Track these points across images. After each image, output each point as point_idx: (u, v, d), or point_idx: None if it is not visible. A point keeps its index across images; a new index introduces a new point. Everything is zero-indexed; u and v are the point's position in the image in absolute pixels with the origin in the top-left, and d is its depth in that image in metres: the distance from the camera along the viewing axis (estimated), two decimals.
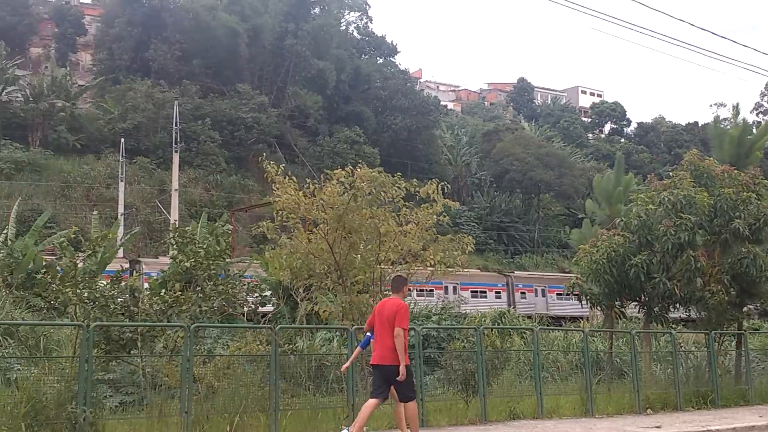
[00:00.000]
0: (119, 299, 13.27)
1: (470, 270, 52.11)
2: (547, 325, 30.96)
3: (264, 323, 20.11)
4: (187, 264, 17.42)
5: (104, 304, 12.92)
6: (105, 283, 14.29)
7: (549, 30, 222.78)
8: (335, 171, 15.59)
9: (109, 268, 19.21)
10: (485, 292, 48.45)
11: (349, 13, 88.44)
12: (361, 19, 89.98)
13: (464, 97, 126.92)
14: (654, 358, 18.43)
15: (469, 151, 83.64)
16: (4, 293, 18.61)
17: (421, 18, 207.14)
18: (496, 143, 77.90)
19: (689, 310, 19.15)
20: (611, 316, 19.69)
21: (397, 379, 10.05)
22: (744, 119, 45.98)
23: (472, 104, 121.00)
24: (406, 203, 16.13)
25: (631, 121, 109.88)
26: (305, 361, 13.59)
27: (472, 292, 46.94)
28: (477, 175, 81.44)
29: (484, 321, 24.64)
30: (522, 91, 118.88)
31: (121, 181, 50.92)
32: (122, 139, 54.10)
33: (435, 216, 16.22)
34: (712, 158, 20.17)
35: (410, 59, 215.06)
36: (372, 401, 10.30)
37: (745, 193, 18.03)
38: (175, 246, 19.31)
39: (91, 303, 13.05)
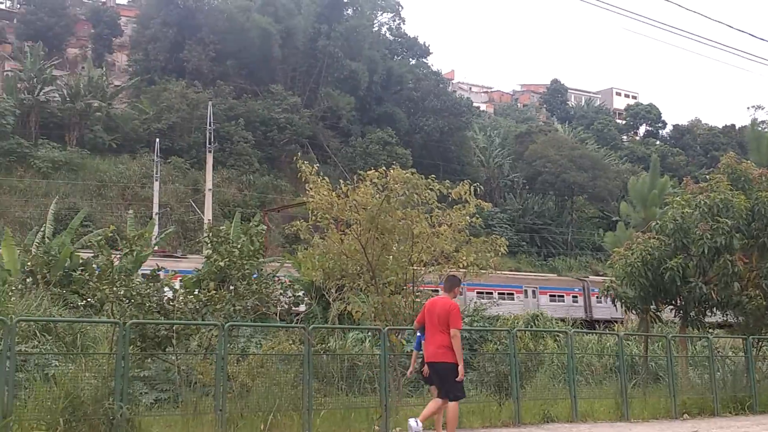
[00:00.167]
0: (154, 297, 13.40)
1: (547, 275, 52.14)
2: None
3: (297, 323, 20.19)
4: (222, 263, 17.60)
5: (140, 302, 13.06)
6: (140, 281, 14.48)
7: (583, 31, 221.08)
8: (368, 172, 15.59)
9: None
10: (562, 296, 48.58)
11: (381, 14, 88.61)
12: (394, 20, 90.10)
13: (497, 99, 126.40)
14: (690, 363, 18.20)
15: (501, 153, 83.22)
16: (42, 290, 18.89)
17: (453, 19, 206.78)
18: (528, 145, 77.44)
19: (726, 314, 18.89)
20: (646, 320, 19.47)
21: (456, 379, 10.25)
22: None
23: (505, 106, 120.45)
24: (439, 205, 16.09)
25: (666, 123, 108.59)
26: (337, 360, 13.60)
27: (550, 295, 47.13)
28: (509, 177, 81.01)
29: (517, 323, 24.51)
30: (555, 92, 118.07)
31: (156, 180, 51.48)
32: (157, 139, 54.69)
33: (468, 217, 16.14)
34: (749, 161, 19.88)
35: (443, 60, 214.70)
36: (438, 401, 10.55)
37: None
38: (209, 245, 19.51)
39: (127, 301, 13.21)
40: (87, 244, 25.21)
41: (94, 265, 18.09)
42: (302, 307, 22.23)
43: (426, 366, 10.68)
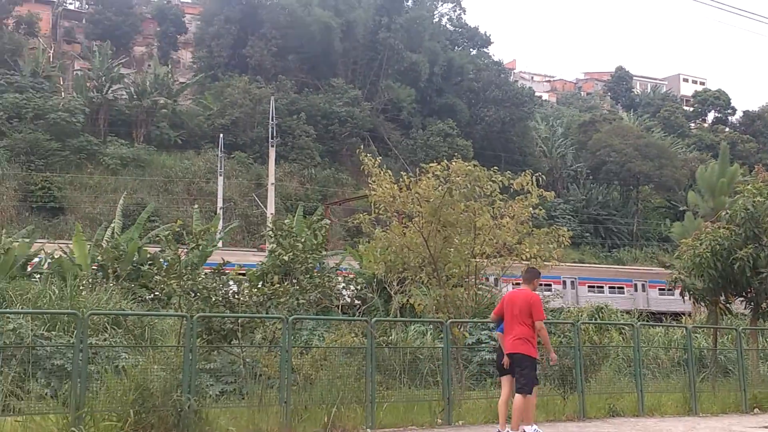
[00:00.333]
0: (220, 291, 13.63)
1: (654, 268, 51.81)
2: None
3: (359, 316, 20.32)
4: (286, 257, 17.81)
5: (206, 296, 13.30)
6: (207, 273, 14.76)
7: (648, 16, 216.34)
8: (431, 165, 15.55)
9: None
10: (671, 290, 48.19)
11: (442, 5, 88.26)
12: (454, 11, 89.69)
13: (559, 88, 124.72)
14: (762, 356, 17.69)
15: (564, 143, 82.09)
16: (112, 285, 19.41)
17: (515, 8, 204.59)
18: (592, 134, 76.25)
19: None
20: (715, 312, 18.98)
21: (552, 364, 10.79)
22: None
23: (568, 94, 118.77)
24: (501, 196, 15.95)
25: (736, 110, 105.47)
26: (400, 353, 13.63)
27: (659, 289, 46.79)
28: (573, 167, 79.87)
29: (581, 316, 24.19)
30: (620, 80, 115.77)
31: (220, 175, 52.36)
32: (221, 135, 55.59)
33: (530, 209, 15.97)
34: None
35: (504, 50, 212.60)
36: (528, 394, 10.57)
37: None
38: (273, 239, 19.77)
39: (194, 294, 13.47)
40: (154, 239, 25.79)
41: (161, 260, 18.50)
42: (364, 300, 22.37)
43: (506, 357, 10.69)
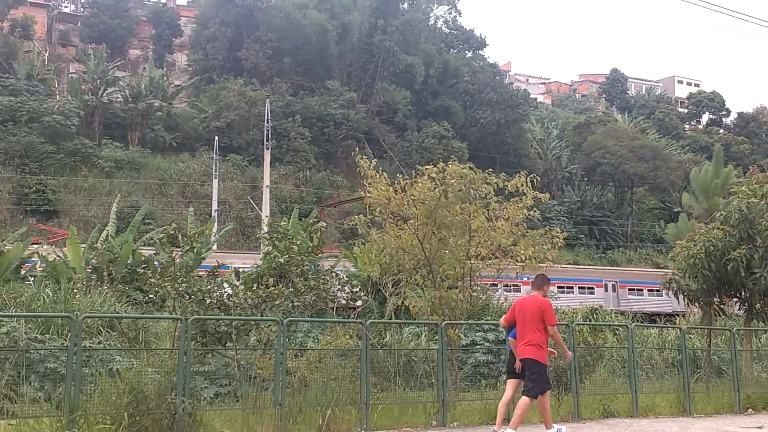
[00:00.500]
0: (215, 293, 13.64)
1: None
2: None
3: (354, 318, 20.33)
4: (281, 260, 17.83)
5: (201, 299, 13.31)
6: (201, 276, 14.76)
7: (643, 18, 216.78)
8: (426, 167, 15.56)
9: None
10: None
11: (437, 7, 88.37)
12: (450, 13, 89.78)
13: (555, 90, 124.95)
14: (755, 357, 17.73)
15: (559, 145, 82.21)
16: (106, 287, 19.39)
17: (510, 10, 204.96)
18: (587, 136, 76.35)
19: None
20: (709, 313, 19.03)
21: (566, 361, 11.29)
22: None
23: (563, 97, 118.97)
24: (496, 198, 15.96)
25: (730, 111, 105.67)
26: (394, 355, 13.64)
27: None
28: (567, 169, 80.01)
29: (575, 317, 24.21)
30: (615, 82, 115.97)
31: (215, 178, 52.34)
32: (216, 137, 55.59)
33: (525, 210, 15.99)
34: None
35: (499, 52, 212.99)
36: (543, 397, 10.83)
37: None
38: (268, 242, 19.79)
39: (189, 297, 13.47)
40: (149, 241, 25.79)
41: (156, 262, 18.50)
42: (359, 303, 22.36)
43: (518, 362, 10.89)
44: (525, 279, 17.58)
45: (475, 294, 17.66)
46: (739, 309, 19.29)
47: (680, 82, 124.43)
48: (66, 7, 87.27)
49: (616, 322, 22.49)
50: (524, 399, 10.57)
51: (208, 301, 13.32)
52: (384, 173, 15.91)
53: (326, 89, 68.72)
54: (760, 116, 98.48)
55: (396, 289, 20.06)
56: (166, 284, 13.63)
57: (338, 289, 19.83)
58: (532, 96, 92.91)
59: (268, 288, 14.50)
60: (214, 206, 50.20)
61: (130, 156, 58.72)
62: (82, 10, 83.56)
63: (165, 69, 70.67)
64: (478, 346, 16.17)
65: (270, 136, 49.61)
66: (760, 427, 12.84)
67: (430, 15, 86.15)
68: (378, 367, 13.03)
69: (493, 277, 17.88)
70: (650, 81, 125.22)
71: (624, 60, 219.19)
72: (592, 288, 47.05)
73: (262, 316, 13.40)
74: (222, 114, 62.64)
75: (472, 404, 12.95)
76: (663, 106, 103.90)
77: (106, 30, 74.48)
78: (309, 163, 63.48)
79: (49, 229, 43.60)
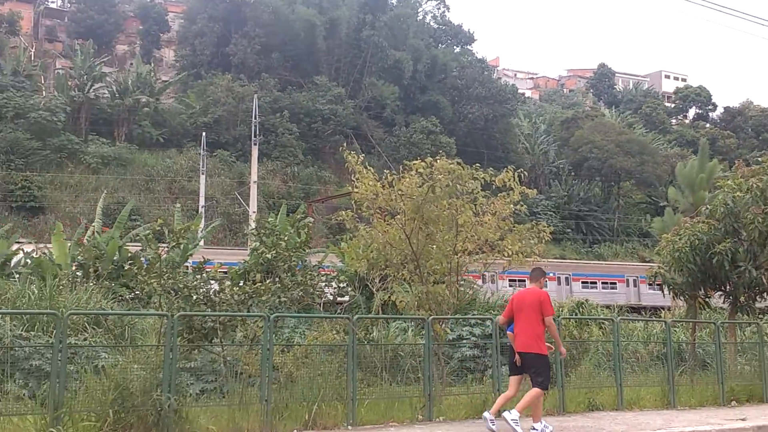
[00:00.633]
0: (201, 289, 13.61)
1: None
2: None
3: (341, 313, 20.34)
4: (269, 255, 17.81)
5: (187, 295, 13.28)
6: (187, 272, 14.74)
7: (631, 13, 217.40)
8: (414, 162, 15.57)
9: None
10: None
11: (426, 2, 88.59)
12: (438, 8, 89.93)
13: (542, 85, 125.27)
14: (739, 350, 17.84)
15: (546, 140, 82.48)
16: (92, 284, 19.32)
17: (498, 5, 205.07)
18: (574, 131, 76.64)
19: None
20: (694, 306, 19.14)
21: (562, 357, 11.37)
22: None
23: (551, 91, 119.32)
24: (483, 193, 16.00)
25: (717, 106, 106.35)
26: (381, 350, 13.67)
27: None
28: (555, 164, 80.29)
29: (561, 311, 24.29)
30: (602, 76, 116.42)
31: (202, 174, 52.21)
32: (203, 133, 55.46)
33: (512, 205, 16.03)
34: None
35: (487, 47, 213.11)
36: (537, 391, 10.90)
37: None
38: (255, 237, 19.77)
39: (175, 293, 13.44)
40: (135, 238, 25.71)
41: (142, 258, 18.44)
42: (346, 298, 22.38)
43: (517, 356, 11.08)
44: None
45: (462, 289, 17.72)
46: (724, 302, 19.37)
47: (667, 76, 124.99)
48: (53, 2, 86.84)
49: (602, 316, 22.59)
50: (537, 390, 10.81)
51: (194, 297, 13.29)
52: (372, 168, 15.92)
53: (314, 85, 68.63)
54: (747, 111, 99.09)
55: (383, 284, 20.10)
56: (152, 281, 13.59)
57: (325, 285, 19.84)
58: (519, 91, 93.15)
59: (255, 284, 14.47)
60: (201, 202, 50.09)
61: (116, 152, 58.48)
62: (69, 5, 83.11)
63: (152, 65, 70.38)
64: (464, 341, 16.22)
65: (258, 132, 49.50)
66: (743, 419, 12.93)
67: (419, 10, 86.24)
68: (365, 362, 13.04)
69: (480, 272, 17.93)
70: (637, 76, 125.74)
71: (611, 55, 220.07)
72: (615, 283, 47.52)
73: (248, 311, 13.38)
74: (209, 110, 62.47)
75: (458, 398, 12.98)
76: (650, 100, 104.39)
77: (93, 25, 74.14)
78: (297, 158, 63.41)
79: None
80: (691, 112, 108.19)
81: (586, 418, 12.62)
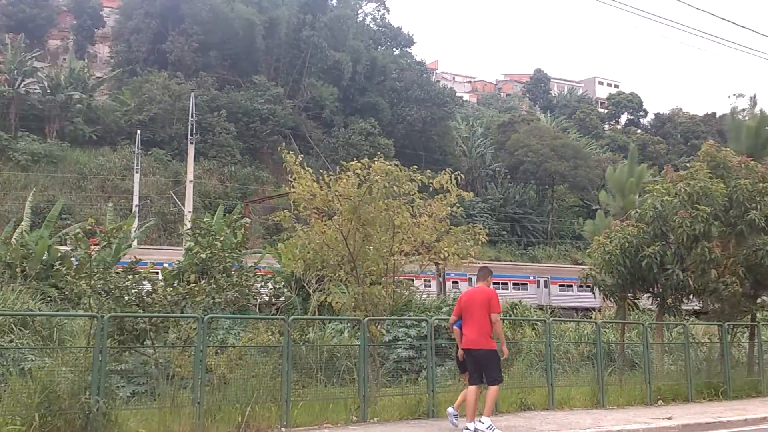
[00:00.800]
0: (133, 290, 13.37)
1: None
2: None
3: (276, 314, 20.21)
4: (203, 255, 17.60)
5: (118, 296, 13.03)
6: (119, 272, 14.44)
7: (566, 20, 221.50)
8: (351, 163, 15.59)
9: None
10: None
11: (366, 4, 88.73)
12: (378, 10, 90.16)
13: (480, 89, 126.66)
14: (666, 350, 18.34)
15: (483, 143, 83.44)
16: (19, 284, 18.81)
17: (438, 9, 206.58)
18: (511, 135, 77.68)
19: (703, 301, 19.04)
20: (624, 308, 19.60)
21: (497, 362, 11.23)
22: (762, 110, 45.61)
23: (488, 95, 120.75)
24: (420, 195, 16.11)
25: (647, 112, 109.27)
26: (317, 352, 13.64)
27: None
28: (491, 167, 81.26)
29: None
30: (538, 82, 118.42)
31: (137, 172, 51.24)
32: (138, 131, 54.44)
33: (448, 207, 16.18)
34: (728, 149, 19.95)
35: (427, 50, 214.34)
36: (473, 388, 11.21)
37: (761, 184, 17.82)
38: (190, 237, 19.51)
39: (106, 294, 13.17)
40: (65, 237, 25.11)
41: (72, 258, 18.02)
42: (282, 299, 22.26)
43: (462, 352, 11.45)
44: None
45: (398, 290, 17.80)
46: (652, 304, 19.88)
47: (601, 83, 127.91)
48: None
49: (535, 317, 22.96)
50: (492, 388, 11.17)
51: (126, 298, 13.05)
52: (310, 169, 15.87)
53: (253, 84, 68.05)
54: (676, 117, 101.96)
55: (320, 285, 20.05)
56: (82, 281, 13.30)
57: (261, 286, 19.69)
58: (458, 94, 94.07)
59: (189, 284, 14.29)
60: (135, 201, 49.16)
61: (47, 149, 56.97)
62: None
63: (86, 60, 68.84)
64: (400, 342, 16.30)
65: (194, 131, 48.86)
66: (669, 418, 13.30)
67: (359, 12, 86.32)
68: (300, 364, 13.00)
69: (417, 274, 18.02)
70: (572, 81, 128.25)
71: (547, 60, 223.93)
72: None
73: (182, 313, 13.20)
74: (145, 107, 61.38)
75: (393, 399, 13.04)
76: (584, 106, 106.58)
77: (25, 19, 72.08)
78: (234, 158, 62.76)
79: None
80: (623, 118, 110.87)
81: (518, 417, 12.81)
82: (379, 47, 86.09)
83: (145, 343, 12.43)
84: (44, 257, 21.79)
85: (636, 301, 19.90)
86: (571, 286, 48.68)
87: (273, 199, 50.57)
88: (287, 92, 69.40)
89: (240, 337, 15.44)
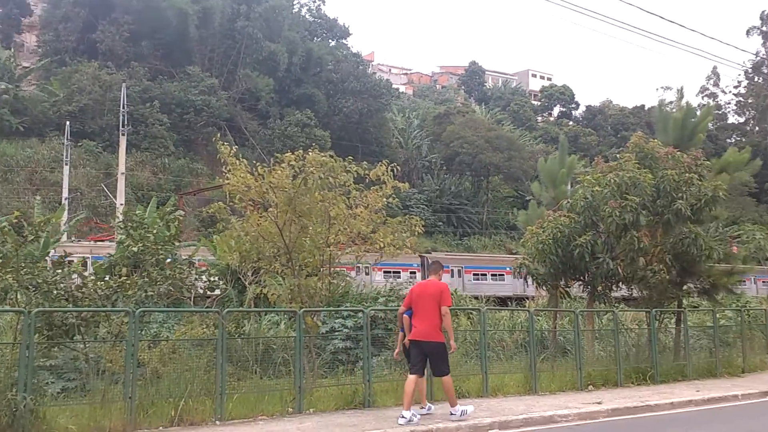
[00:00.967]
0: (62, 284, 13.06)
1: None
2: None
3: (211, 307, 19.99)
4: (135, 249, 17.28)
5: (47, 290, 12.72)
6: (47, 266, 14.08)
7: (501, 13, 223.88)
8: (286, 155, 15.53)
9: None
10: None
11: None
12: (314, 2, 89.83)
13: (416, 81, 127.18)
14: (596, 336, 18.77)
15: (420, 134, 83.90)
16: None
17: (373, 0, 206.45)
18: (446, 126, 78.25)
19: (631, 289, 19.53)
20: (556, 296, 19.98)
21: (447, 354, 11.57)
22: (688, 102, 46.76)
23: (424, 87, 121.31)
24: (357, 186, 16.14)
25: (579, 104, 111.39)
26: (252, 344, 13.57)
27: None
28: (427, 158, 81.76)
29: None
30: (473, 74, 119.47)
31: (66, 164, 49.91)
32: (67, 122, 52.99)
33: (385, 199, 16.27)
34: (656, 140, 20.44)
35: (363, 42, 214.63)
36: (412, 377, 11.44)
37: (687, 175, 18.28)
38: (122, 230, 19.12)
39: (34, 289, 12.84)
40: None
41: None
42: (217, 291, 22.01)
43: (407, 341, 11.78)
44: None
45: (334, 282, 17.81)
46: (583, 291, 20.29)
47: (534, 75, 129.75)
48: None
49: (470, 306, 23.23)
50: (445, 379, 11.60)
51: (54, 292, 12.75)
52: (244, 160, 15.75)
53: (186, 75, 66.95)
54: (606, 110, 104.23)
55: (256, 277, 19.91)
56: (8, 275, 12.93)
57: (195, 278, 19.44)
58: (394, 86, 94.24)
59: (121, 278, 14.04)
60: (65, 194, 47.92)
61: None
62: None
63: (12, 50, 66.67)
64: (337, 333, 16.30)
65: (126, 122, 47.82)
66: (599, 403, 13.64)
67: (294, 3, 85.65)
68: (235, 357, 12.93)
69: (353, 265, 18.07)
70: (506, 74, 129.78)
71: (482, 53, 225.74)
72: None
73: (113, 307, 12.95)
74: (74, 98, 59.81)
75: (329, 390, 13.06)
76: (518, 98, 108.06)
77: None
78: (168, 150, 61.70)
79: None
80: (556, 110, 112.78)
81: (439, 405, 12.93)
82: (315, 39, 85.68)
83: (75, 338, 12.17)
84: None
85: (568, 289, 20.32)
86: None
87: (208, 191, 49.97)
88: (222, 83, 68.51)
89: (174, 331, 15.21)
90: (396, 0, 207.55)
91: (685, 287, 20.23)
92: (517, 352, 17.03)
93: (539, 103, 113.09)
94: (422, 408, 12.14)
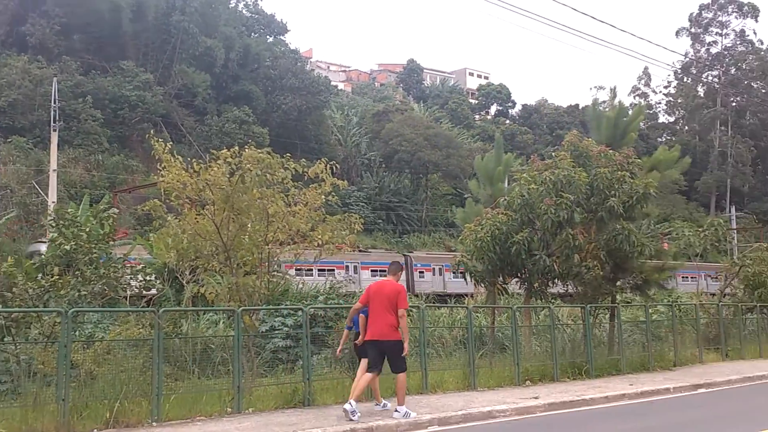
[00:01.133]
0: None
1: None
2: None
3: (147, 307, 19.67)
4: (67, 247, 16.89)
5: None
6: None
7: (438, 11, 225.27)
8: (222, 151, 15.36)
9: None
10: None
11: None
12: None
13: (355, 78, 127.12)
14: (533, 332, 19.08)
15: (359, 132, 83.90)
16: None
17: None
18: (385, 124, 78.39)
19: (567, 285, 19.89)
20: (494, 293, 20.23)
21: (402, 354, 11.69)
22: (620, 102, 47.72)
23: (363, 85, 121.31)
24: (295, 184, 16.06)
25: (515, 103, 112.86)
26: (190, 344, 13.40)
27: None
28: (366, 156, 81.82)
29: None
30: (411, 72, 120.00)
31: None
32: None
33: (323, 196, 16.23)
34: (590, 139, 20.84)
35: (301, 39, 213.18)
36: (369, 375, 11.58)
37: (619, 173, 18.71)
38: (54, 228, 18.66)
39: None
40: None
41: None
42: (154, 291, 21.68)
43: (362, 340, 11.96)
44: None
45: (273, 280, 17.71)
46: (520, 288, 20.60)
47: (471, 74, 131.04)
48: None
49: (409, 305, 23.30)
50: (400, 376, 11.75)
51: None
52: (180, 157, 15.51)
53: (120, 69, 65.57)
54: (542, 108, 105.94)
55: (193, 276, 19.67)
56: None
57: (131, 278, 19.11)
58: (333, 83, 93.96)
59: (53, 277, 13.72)
60: None
61: None
62: None
63: None
64: (276, 332, 16.23)
65: (58, 117, 46.61)
66: (536, 398, 13.88)
67: None
68: (173, 357, 12.75)
69: (292, 263, 17.99)
70: (444, 72, 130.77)
71: (420, 51, 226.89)
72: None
73: (45, 307, 12.64)
74: (3, 93, 57.98)
75: (268, 389, 12.99)
76: (455, 96, 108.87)
77: None
78: (101, 146, 60.32)
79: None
80: (493, 109, 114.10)
81: (392, 402, 12.99)
82: (253, 34, 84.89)
83: (5, 339, 11.84)
84: None
85: (505, 285, 20.57)
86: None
87: (143, 189, 48.98)
88: (157, 79, 67.29)
89: (109, 331, 14.93)
90: None
91: (618, 283, 20.70)
92: (457, 349, 17.20)
93: (476, 101, 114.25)
94: (377, 405, 12.39)
